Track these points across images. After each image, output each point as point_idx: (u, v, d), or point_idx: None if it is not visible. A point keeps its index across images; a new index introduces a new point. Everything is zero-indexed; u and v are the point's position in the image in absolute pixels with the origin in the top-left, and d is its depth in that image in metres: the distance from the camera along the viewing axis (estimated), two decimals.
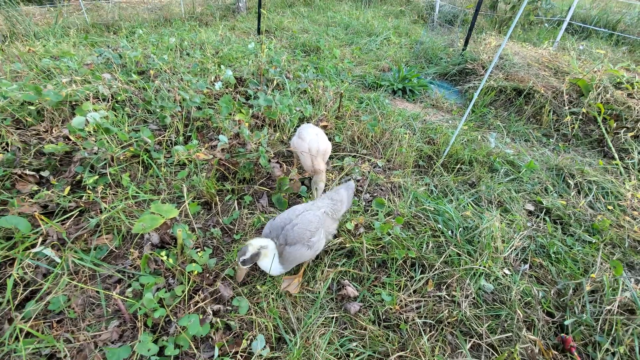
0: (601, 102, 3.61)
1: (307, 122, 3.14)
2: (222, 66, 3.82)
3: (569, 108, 3.74)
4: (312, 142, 2.35)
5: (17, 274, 1.64)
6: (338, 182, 2.59)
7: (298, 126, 2.98)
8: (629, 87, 3.78)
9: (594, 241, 2.26)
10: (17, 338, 1.44)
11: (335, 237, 2.09)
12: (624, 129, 3.47)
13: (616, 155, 3.17)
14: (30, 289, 1.65)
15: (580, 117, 3.64)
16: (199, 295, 1.69)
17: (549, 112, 3.77)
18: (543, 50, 5.02)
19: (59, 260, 1.72)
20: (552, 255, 2.15)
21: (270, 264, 1.62)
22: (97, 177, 2.19)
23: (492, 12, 7.31)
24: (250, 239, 2.07)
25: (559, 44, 5.82)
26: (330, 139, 2.79)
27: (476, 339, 1.66)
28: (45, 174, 2.22)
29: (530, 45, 5.37)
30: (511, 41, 5.56)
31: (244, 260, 1.56)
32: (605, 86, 3.73)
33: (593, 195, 2.68)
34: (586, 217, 2.46)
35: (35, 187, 2.11)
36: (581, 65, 4.33)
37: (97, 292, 1.69)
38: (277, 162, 2.60)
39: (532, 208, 2.56)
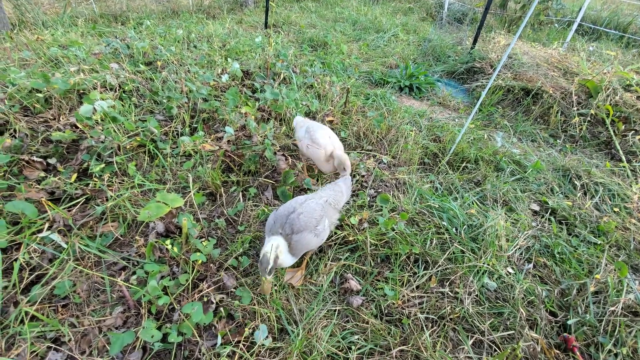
0: (610, 104, 3.57)
1: (308, 117, 3.12)
2: (229, 59, 3.81)
3: (577, 109, 3.70)
4: (328, 147, 2.21)
5: (23, 258, 1.65)
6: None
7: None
8: (638, 89, 3.74)
9: (599, 242, 2.25)
10: (22, 321, 1.46)
11: (337, 228, 2.09)
12: (633, 131, 3.43)
13: (624, 158, 3.14)
14: (36, 273, 1.67)
15: (589, 118, 3.61)
16: (203, 284, 1.70)
17: (557, 112, 3.74)
18: (552, 50, 4.96)
19: (65, 246, 1.74)
20: (557, 255, 2.13)
21: (285, 258, 1.56)
22: (103, 165, 2.20)
23: (501, 11, 7.24)
24: (253, 232, 2.08)
25: (569, 45, 5.76)
26: (336, 135, 2.77)
27: (478, 335, 1.66)
28: (52, 161, 2.24)
29: (539, 45, 5.31)
30: (520, 41, 5.51)
31: (270, 269, 1.47)
32: (614, 88, 3.68)
33: (599, 197, 2.66)
34: (592, 219, 2.45)
35: (43, 174, 2.13)
36: (591, 66, 4.28)
37: (102, 278, 1.70)
38: (283, 155, 2.60)
39: (537, 208, 2.54)
